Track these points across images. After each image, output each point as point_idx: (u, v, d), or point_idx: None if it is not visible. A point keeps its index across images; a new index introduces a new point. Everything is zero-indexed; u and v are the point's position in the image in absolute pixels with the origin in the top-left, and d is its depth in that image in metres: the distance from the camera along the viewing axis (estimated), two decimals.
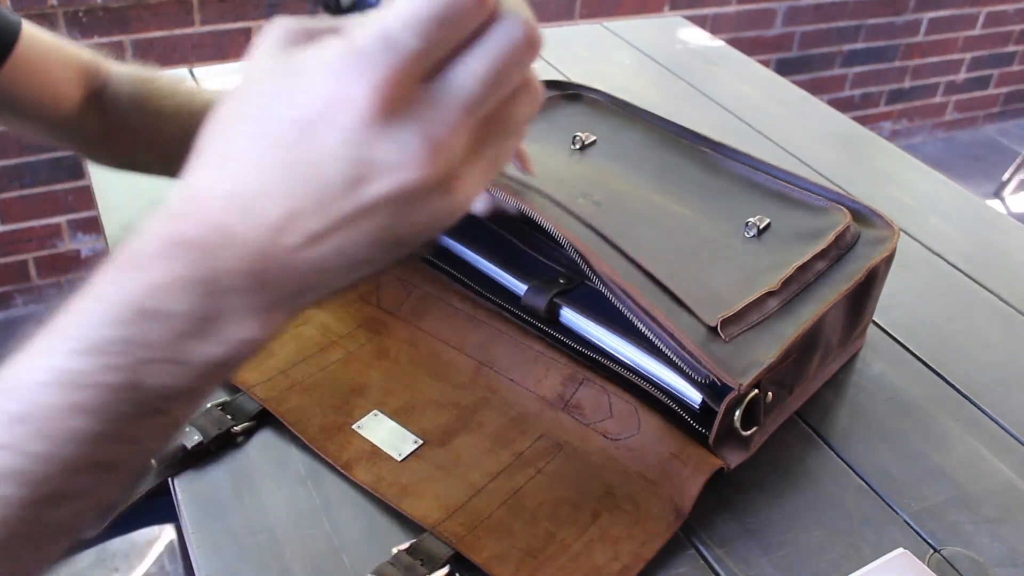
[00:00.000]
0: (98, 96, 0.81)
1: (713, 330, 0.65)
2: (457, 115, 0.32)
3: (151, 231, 0.35)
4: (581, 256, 0.66)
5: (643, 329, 0.65)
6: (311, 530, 0.62)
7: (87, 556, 1.56)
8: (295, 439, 0.68)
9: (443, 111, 0.32)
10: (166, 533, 1.58)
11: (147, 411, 0.36)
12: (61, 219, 2.02)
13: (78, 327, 0.35)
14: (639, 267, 0.67)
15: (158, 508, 0.65)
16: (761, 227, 0.76)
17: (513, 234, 0.83)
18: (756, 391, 0.64)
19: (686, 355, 0.63)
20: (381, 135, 0.31)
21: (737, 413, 0.64)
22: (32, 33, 0.75)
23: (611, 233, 0.70)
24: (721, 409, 0.63)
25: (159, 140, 0.82)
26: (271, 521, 0.62)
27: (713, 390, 0.65)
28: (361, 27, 0.31)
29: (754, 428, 0.66)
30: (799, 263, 0.72)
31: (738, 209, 0.78)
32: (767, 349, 0.65)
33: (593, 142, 0.85)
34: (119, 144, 0.84)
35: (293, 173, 0.32)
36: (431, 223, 0.34)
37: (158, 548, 1.59)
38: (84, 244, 2.07)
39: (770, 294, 0.69)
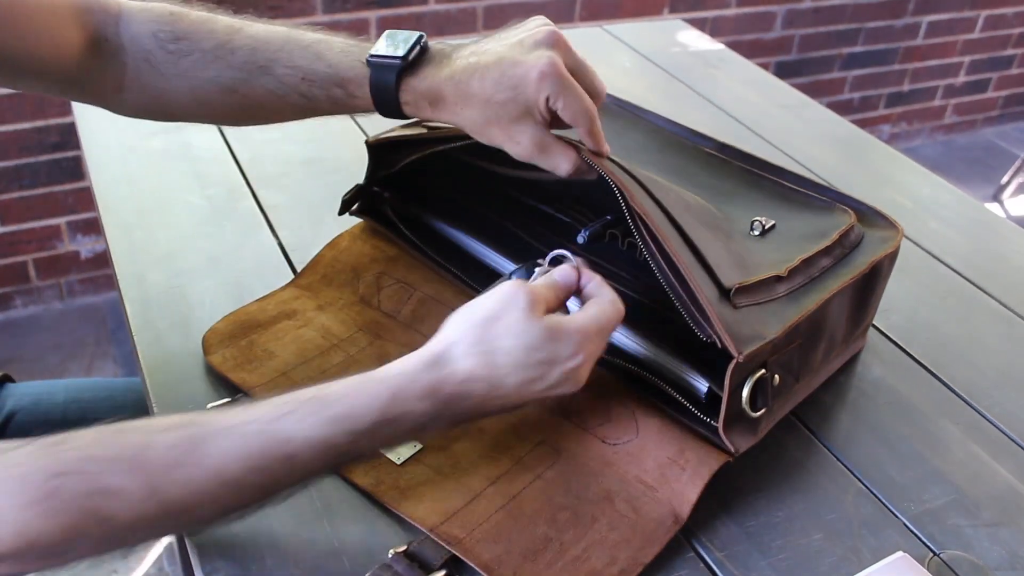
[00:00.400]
0: (110, 39, 0.72)
1: (726, 293, 0.65)
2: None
3: (422, 379, 0.58)
4: (618, 188, 0.65)
5: (660, 277, 0.65)
6: (311, 532, 0.62)
7: None
8: None
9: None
10: None
11: (351, 464, 0.62)
12: (61, 220, 2.02)
13: (346, 419, 0.56)
14: (668, 215, 0.67)
15: None
16: (767, 227, 0.76)
17: (517, 223, 0.83)
18: (763, 371, 0.65)
19: (696, 311, 0.63)
20: (584, 371, 0.61)
21: (745, 392, 0.64)
22: None
23: (644, 180, 0.69)
24: (727, 382, 0.63)
25: (197, 84, 0.72)
26: (271, 523, 0.62)
27: (721, 376, 0.65)
28: (585, 316, 0.61)
29: (762, 411, 0.66)
30: (804, 256, 0.72)
31: (743, 210, 0.79)
32: (770, 327, 0.65)
33: None
34: (147, 91, 0.74)
35: (530, 381, 0.59)
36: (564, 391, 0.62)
37: (157, 550, 1.59)
38: (84, 245, 2.07)
39: (778, 279, 0.69)
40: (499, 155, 0.69)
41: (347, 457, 0.58)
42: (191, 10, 0.74)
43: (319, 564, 0.60)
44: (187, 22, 0.72)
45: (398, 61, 0.66)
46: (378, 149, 0.82)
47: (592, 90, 0.66)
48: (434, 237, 0.84)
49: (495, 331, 0.58)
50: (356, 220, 0.87)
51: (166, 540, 1.59)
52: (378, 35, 0.70)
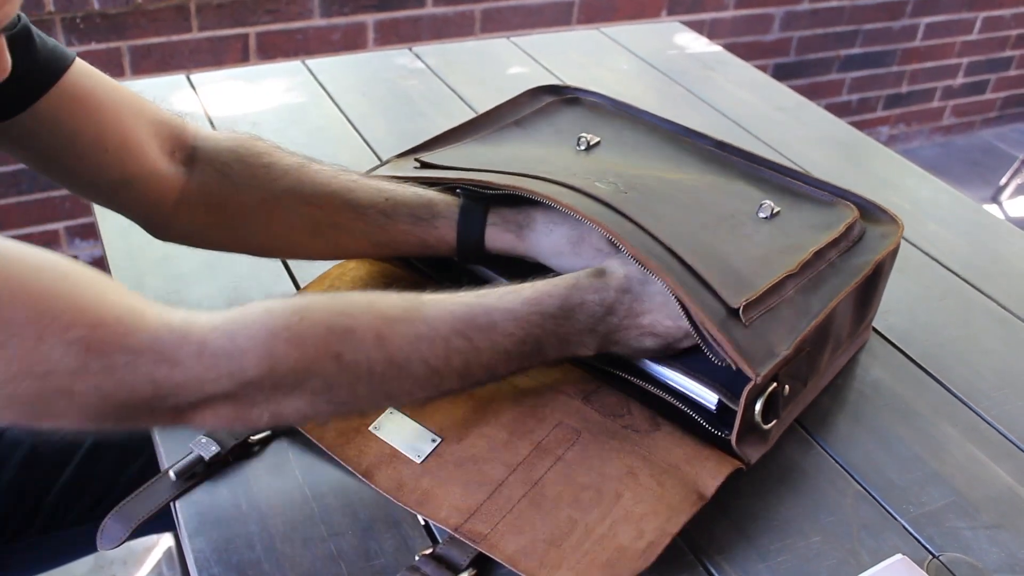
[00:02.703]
0: (178, 156, 0.74)
1: (734, 312, 0.65)
2: None
3: (594, 278, 0.67)
4: (610, 234, 0.67)
5: None
6: (308, 538, 0.62)
7: (85, 563, 1.56)
8: (292, 447, 0.68)
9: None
10: (164, 540, 1.58)
11: (525, 359, 0.65)
12: (59, 225, 2.02)
13: (536, 301, 0.64)
14: (662, 244, 0.68)
15: (156, 515, 0.65)
16: (774, 211, 0.76)
17: None
18: (775, 384, 0.65)
19: (708, 338, 0.64)
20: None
21: (758, 406, 0.64)
22: (86, 72, 0.70)
23: (632, 212, 0.70)
24: (742, 401, 0.63)
25: (270, 194, 0.74)
26: (268, 529, 0.62)
27: (729, 388, 0.65)
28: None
29: (773, 421, 0.66)
30: (816, 248, 0.72)
31: (749, 196, 0.79)
32: (782, 339, 0.65)
33: (598, 143, 0.85)
34: (211, 201, 0.74)
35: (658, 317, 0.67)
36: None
37: (156, 555, 1.59)
38: (82, 250, 2.06)
39: (789, 277, 0.69)
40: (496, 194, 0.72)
41: (534, 343, 0.64)
42: (258, 136, 0.77)
43: (316, 569, 0.60)
44: (269, 144, 0.76)
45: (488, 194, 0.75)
46: None
47: None
48: (443, 265, 0.82)
49: (636, 283, 0.67)
50: None
51: (165, 544, 1.59)
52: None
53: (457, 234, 0.75)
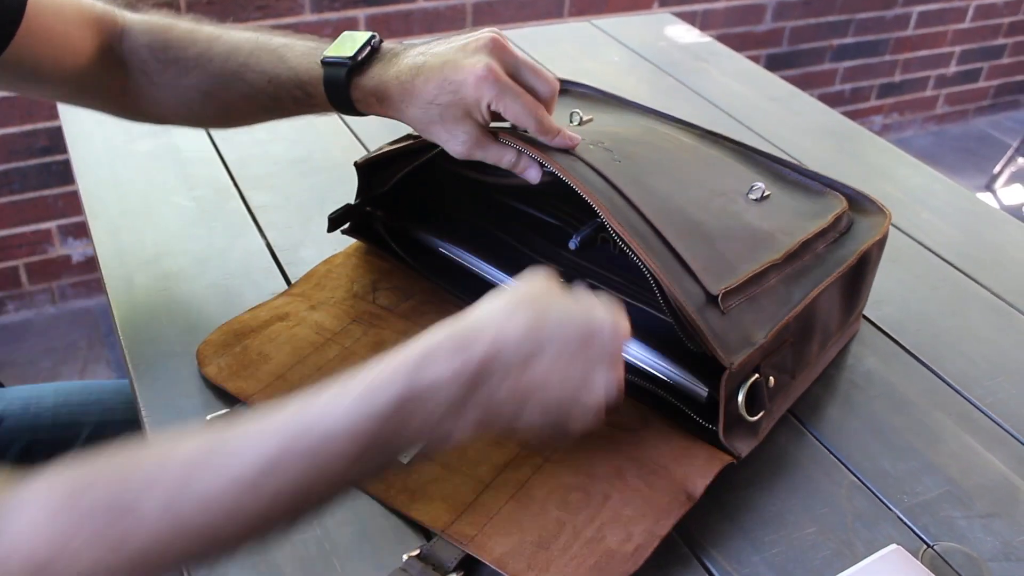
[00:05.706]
0: (115, 49, 0.79)
1: (713, 300, 0.64)
2: None
3: (455, 335, 0.52)
4: (598, 208, 0.66)
5: (652, 284, 0.65)
6: (302, 535, 0.62)
7: None
8: None
9: None
10: None
11: (373, 473, 0.53)
12: (51, 224, 2.01)
13: (369, 399, 0.49)
14: (649, 224, 0.67)
15: None
16: (765, 193, 0.76)
17: (509, 232, 0.82)
18: (757, 376, 0.65)
19: (685, 323, 0.63)
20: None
21: (740, 397, 0.64)
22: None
23: (623, 183, 0.69)
24: (721, 390, 0.62)
25: (181, 90, 0.79)
26: None
27: (712, 379, 0.65)
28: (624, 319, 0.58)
29: (761, 413, 0.66)
30: (803, 238, 0.71)
31: (741, 175, 0.78)
32: (759, 329, 0.65)
33: (591, 119, 0.85)
34: (142, 97, 0.81)
35: (573, 360, 0.55)
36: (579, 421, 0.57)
37: None
38: (75, 249, 2.06)
39: (772, 266, 0.68)
40: (485, 165, 0.70)
41: (377, 453, 0.50)
42: (180, 21, 0.79)
43: (310, 567, 0.60)
44: (175, 33, 0.78)
45: (348, 61, 0.70)
46: (367, 169, 0.81)
47: (536, 89, 0.69)
48: (427, 253, 0.83)
49: (545, 299, 0.54)
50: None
51: None
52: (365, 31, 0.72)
53: (333, 107, 0.75)
